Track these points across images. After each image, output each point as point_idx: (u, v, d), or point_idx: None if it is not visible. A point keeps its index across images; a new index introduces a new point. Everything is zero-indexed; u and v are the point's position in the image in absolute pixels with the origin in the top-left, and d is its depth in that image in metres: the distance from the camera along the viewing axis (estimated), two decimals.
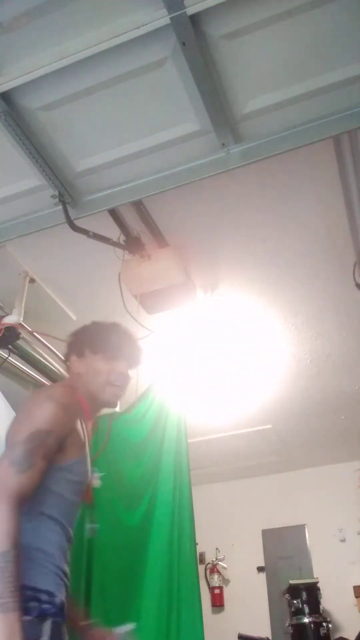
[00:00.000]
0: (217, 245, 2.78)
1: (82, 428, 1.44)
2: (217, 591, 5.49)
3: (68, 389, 1.46)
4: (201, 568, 5.43)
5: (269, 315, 3.33)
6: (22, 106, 1.62)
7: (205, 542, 5.27)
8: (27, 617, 1.15)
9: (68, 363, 1.64)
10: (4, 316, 2.68)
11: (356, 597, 4.95)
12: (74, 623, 1.48)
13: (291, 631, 4.49)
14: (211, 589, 5.50)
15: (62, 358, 1.74)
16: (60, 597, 1.27)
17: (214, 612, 5.42)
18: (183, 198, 2.42)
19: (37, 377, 3.01)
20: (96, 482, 1.46)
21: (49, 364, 3.04)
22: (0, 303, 2.79)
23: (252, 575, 5.49)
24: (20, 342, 2.72)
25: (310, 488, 5.55)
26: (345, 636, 4.70)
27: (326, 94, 1.59)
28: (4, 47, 1.47)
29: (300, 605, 4.51)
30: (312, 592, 4.57)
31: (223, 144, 1.71)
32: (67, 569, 1.35)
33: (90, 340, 1.57)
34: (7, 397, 2.18)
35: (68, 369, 1.66)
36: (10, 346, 2.72)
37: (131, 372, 1.59)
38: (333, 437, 5.03)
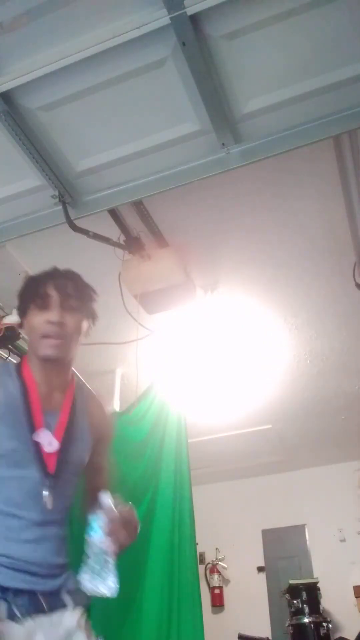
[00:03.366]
0: (217, 245, 2.78)
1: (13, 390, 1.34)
2: (217, 591, 5.49)
3: None
4: (201, 568, 5.42)
5: (269, 315, 3.33)
6: (22, 106, 1.62)
7: (205, 542, 5.27)
8: None
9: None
10: (4, 316, 2.68)
11: (356, 597, 4.95)
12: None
13: (291, 631, 4.48)
14: (211, 589, 5.50)
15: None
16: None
17: (214, 612, 5.42)
18: (183, 198, 2.42)
19: None
20: (44, 440, 1.29)
21: None
22: (0, 303, 2.79)
23: (252, 575, 5.49)
24: (20, 342, 2.72)
25: (310, 488, 5.55)
26: (345, 636, 4.70)
27: (326, 94, 1.59)
28: (4, 47, 1.48)
29: (300, 605, 4.51)
30: (312, 592, 4.57)
31: (223, 144, 1.71)
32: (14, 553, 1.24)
33: (21, 295, 1.43)
34: None
35: None
36: (10, 346, 2.72)
37: (75, 319, 1.38)
38: (333, 437, 5.03)
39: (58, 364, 1.39)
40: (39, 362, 1.39)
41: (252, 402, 4.33)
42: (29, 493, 1.26)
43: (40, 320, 1.35)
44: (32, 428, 1.29)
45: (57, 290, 1.39)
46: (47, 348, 1.34)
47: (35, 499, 1.26)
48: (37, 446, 1.28)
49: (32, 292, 1.40)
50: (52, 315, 1.35)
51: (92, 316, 1.46)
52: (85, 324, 1.42)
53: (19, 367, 1.41)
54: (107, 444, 1.49)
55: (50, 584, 1.27)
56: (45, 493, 1.26)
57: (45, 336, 1.34)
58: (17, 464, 1.27)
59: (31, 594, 1.23)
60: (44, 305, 1.37)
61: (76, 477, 1.36)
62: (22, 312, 1.43)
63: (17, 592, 1.22)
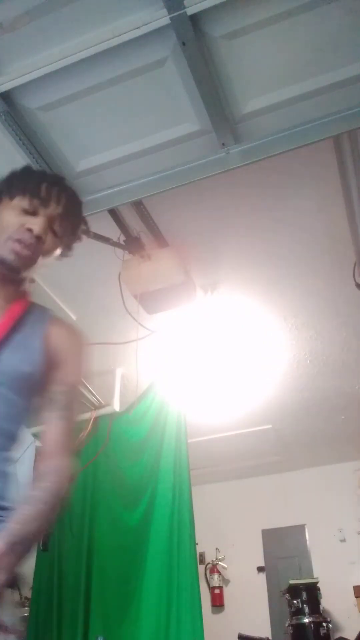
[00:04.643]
0: (218, 245, 2.78)
1: None
2: (217, 591, 5.49)
3: None
4: (201, 568, 5.42)
5: (269, 315, 3.33)
6: (22, 106, 1.62)
7: (205, 542, 5.27)
8: None
9: None
10: None
11: (356, 597, 4.94)
12: None
13: (291, 631, 4.48)
14: (211, 589, 5.50)
15: None
16: None
17: (214, 612, 5.42)
18: (183, 198, 2.42)
19: None
20: None
21: None
22: None
23: (252, 575, 5.49)
24: None
25: (310, 488, 5.55)
26: (345, 636, 4.70)
27: (326, 94, 1.60)
28: (4, 47, 1.48)
29: (300, 605, 4.50)
30: (312, 592, 4.56)
31: (223, 144, 1.71)
32: None
33: (9, 182, 1.25)
34: None
35: None
36: None
37: (54, 243, 1.25)
38: (333, 437, 5.03)
39: (11, 273, 1.23)
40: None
41: (252, 402, 4.33)
42: None
43: (17, 220, 1.19)
44: None
45: (52, 203, 1.22)
46: (10, 252, 1.17)
47: None
48: None
49: (24, 183, 1.23)
50: (36, 224, 1.18)
51: (68, 247, 1.34)
52: (57, 250, 1.29)
53: None
54: (71, 378, 1.25)
55: None
56: None
57: (17, 240, 1.17)
58: None
59: None
60: (31, 209, 1.20)
61: (14, 394, 1.15)
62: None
63: None
